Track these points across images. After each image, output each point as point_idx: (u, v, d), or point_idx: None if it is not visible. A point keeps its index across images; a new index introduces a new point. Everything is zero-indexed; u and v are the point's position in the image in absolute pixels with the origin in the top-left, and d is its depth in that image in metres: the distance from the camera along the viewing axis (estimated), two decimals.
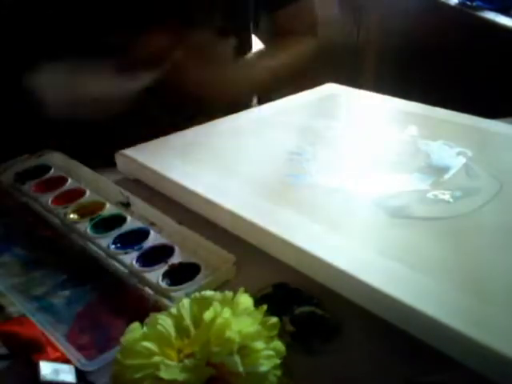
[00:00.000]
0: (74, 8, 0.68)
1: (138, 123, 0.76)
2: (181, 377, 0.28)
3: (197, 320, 0.31)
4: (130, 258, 0.43)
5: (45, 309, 0.40)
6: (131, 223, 0.48)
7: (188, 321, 0.31)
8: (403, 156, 0.55)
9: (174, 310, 0.32)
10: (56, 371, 0.32)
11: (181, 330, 0.31)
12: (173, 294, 0.39)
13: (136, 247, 0.45)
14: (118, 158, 0.58)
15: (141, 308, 0.39)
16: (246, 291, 0.32)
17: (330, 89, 0.75)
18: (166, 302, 0.38)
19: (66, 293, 0.41)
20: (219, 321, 0.29)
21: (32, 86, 0.64)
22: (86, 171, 0.57)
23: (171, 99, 0.76)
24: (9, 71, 0.72)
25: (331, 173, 0.52)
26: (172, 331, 0.30)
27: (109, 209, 0.50)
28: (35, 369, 0.32)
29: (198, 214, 0.49)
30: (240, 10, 0.77)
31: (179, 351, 0.30)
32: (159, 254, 0.44)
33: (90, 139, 0.75)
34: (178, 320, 0.31)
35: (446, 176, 0.50)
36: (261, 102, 0.93)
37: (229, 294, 0.32)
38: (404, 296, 0.34)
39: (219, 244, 0.43)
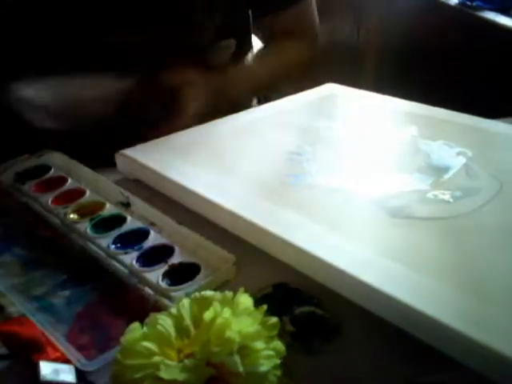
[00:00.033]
0: (74, 8, 0.68)
1: (138, 123, 0.76)
2: (181, 377, 0.28)
3: (197, 320, 0.31)
4: (130, 257, 0.43)
5: (45, 309, 0.40)
6: (131, 223, 0.48)
7: (188, 321, 0.31)
8: (403, 156, 0.55)
9: (174, 310, 0.32)
10: (56, 371, 0.32)
11: (181, 329, 0.31)
12: (173, 294, 0.39)
13: (136, 247, 0.45)
14: (118, 158, 0.58)
15: (141, 308, 0.39)
16: (246, 291, 0.32)
17: (330, 89, 0.75)
18: (166, 301, 0.38)
19: (66, 293, 0.41)
20: (219, 321, 0.29)
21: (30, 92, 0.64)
22: (86, 171, 0.57)
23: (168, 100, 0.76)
24: (9, 71, 0.72)
25: (331, 173, 0.52)
26: (172, 331, 0.30)
27: (109, 209, 0.50)
28: (35, 369, 0.32)
29: (197, 213, 0.49)
30: (240, 11, 0.77)
31: (179, 351, 0.30)
32: (159, 254, 0.44)
33: (90, 139, 0.75)
34: (177, 320, 0.31)
35: (446, 176, 0.50)
36: (261, 102, 0.93)
37: (229, 293, 0.32)
38: (404, 296, 0.34)
39: (219, 244, 0.43)
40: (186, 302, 0.32)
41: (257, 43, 0.89)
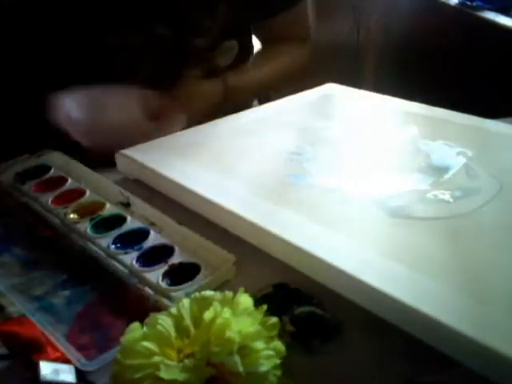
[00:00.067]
0: (74, 8, 0.68)
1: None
2: (181, 377, 0.28)
3: (197, 320, 0.31)
4: (130, 258, 0.43)
5: (45, 309, 0.40)
6: (131, 223, 0.48)
7: (188, 321, 0.31)
8: (403, 156, 0.55)
9: (174, 310, 0.32)
10: (56, 371, 0.32)
11: (181, 330, 0.31)
12: (173, 294, 0.39)
13: (136, 247, 0.45)
14: (118, 158, 0.58)
15: (141, 308, 0.39)
16: (246, 291, 0.32)
17: (330, 89, 0.75)
18: (166, 302, 0.38)
19: (66, 293, 0.41)
20: (219, 321, 0.29)
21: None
22: (85, 171, 0.57)
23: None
24: (9, 71, 0.72)
25: (331, 173, 0.52)
26: (172, 331, 0.30)
27: (109, 209, 0.50)
28: (35, 369, 0.32)
29: (197, 213, 0.49)
30: (242, 12, 0.77)
31: (179, 351, 0.30)
32: (159, 254, 0.44)
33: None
34: (178, 320, 0.31)
35: (446, 176, 0.50)
36: (261, 101, 0.94)
37: (229, 293, 0.32)
38: (404, 296, 0.34)
39: (219, 244, 0.43)
40: (185, 301, 0.32)
41: (255, 45, 0.89)
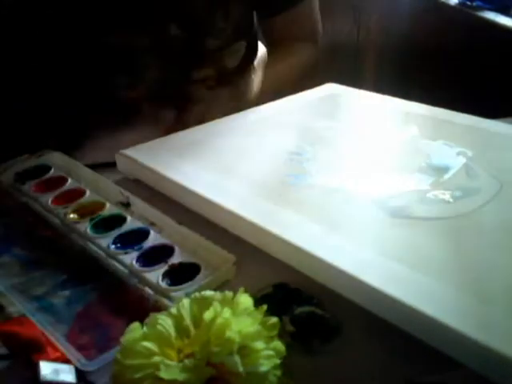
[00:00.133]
0: (73, 8, 0.68)
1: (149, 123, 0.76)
2: (181, 377, 0.28)
3: (197, 320, 0.31)
4: (130, 258, 0.43)
5: (45, 309, 0.40)
6: (131, 223, 0.48)
7: (188, 321, 0.31)
8: (403, 156, 0.55)
9: (174, 310, 0.32)
10: (56, 371, 0.32)
11: (181, 330, 0.31)
12: (173, 294, 0.39)
13: (136, 247, 0.45)
14: (118, 158, 0.58)
15: (141, 308, 0.39)
16: (246, 291, 0.32)
17: (330, 89, 0.75)
18: (166, 301, 0.38)
19: (66, 293, 0.41)
20: (219, 321, 0.29)
21: None
22: (85, 171, 0.57)
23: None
24: (9, 71, 0.72)
25: (331, 173, 0.52)
26: (172, 331, 0.30)
27: (109, 209, 0.50)
28: (35, 369, 0.32)
29: (198, 213, 0.49)
30: (248, 12, 0.77)
31: (179, 351, 0.30)
32: (159, 254, 0.44)
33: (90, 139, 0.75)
34: (178, 320, 0.31)
35: (446, 176, 0.50)
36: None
37: (229, 293, 0.32)
38: (404, 296, 0.34)
39: (219, 244, 0.43)
40: (185, 302, 0.32)
41: (261, 46, 0.89)
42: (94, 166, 0.57)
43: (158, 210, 0.49)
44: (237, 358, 0.28)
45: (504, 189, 0.47)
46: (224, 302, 0.31)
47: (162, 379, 0.28)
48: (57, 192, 0.53)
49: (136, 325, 0.31)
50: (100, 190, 0.54)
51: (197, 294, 0.32)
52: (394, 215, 0.44)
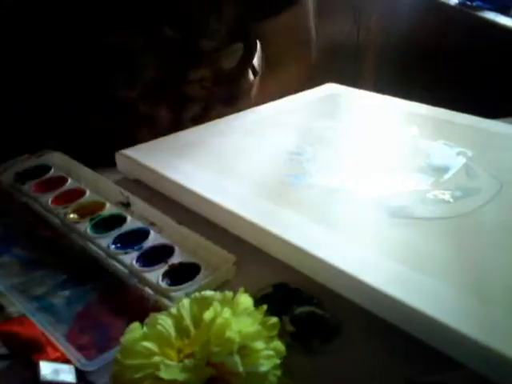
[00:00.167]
0: (73, 8, 0.68)
1: (145, 123, 0.76)
2: (181, 377, 0.28)
3: (197, 320, 0.31)
4: (130, 258, 0.43)
5: (45, 309, 0.40)
6: (131, 223, 0.48)
7: (188, 321, 0.31)
8: (403, 156, 0.55)
9: (174, 310, 0.32)
10: (56, 371, 0.32)
11: (181, 330, 0.31)
12: (173, 294, 0.39)
13: (136, 247, 0.45)
14: (118, 158, 0.58)
15: (141, 308, 0.39)
16: (246, 291, 0.32)
17: (330, 89, 0.75)
18: (166, 301, 0.38)
19: (66, 293, 0.41)
20: (219, 321, 0.29)
21: None
22: (85, 171, 0.57)
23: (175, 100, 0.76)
24: (9, 71, 0.72)
25: (331, 173, 0.52)
26: (172, 331, 0.30)
27: (109, 209, 0.50)
28: (35, 369, 0.32)
29: (197, 213, 0.49)
30: (245, 14, 0.76)
31: (179, 351, 0.30)
32: (159, 254, 0.44)
33: (90, 139, 0.75)
34: (178, 320, 0.31)
35: (446, 176, 0.50)
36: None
37: (229, 293, 0.32)
38: (404, 296, 0.34)
39: (219, 244, 0.43)
40: (185, 302, 0.32)
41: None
42: (94, 166, 0.57)
43: (158, 210, 0.49)
44: (237, 358, 0.28)
45: (504, 189, 0.47)
46: (224, 302, 0.31)
47: (161, 379, 0.28)
48: (57, 192, 0.53)
49: (136, 325, 0.31)
50: (100, 189, 0.54)
51: (197, 294, 0.32)
52: (393, 215, 0.44)
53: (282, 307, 0.37)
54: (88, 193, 0.53)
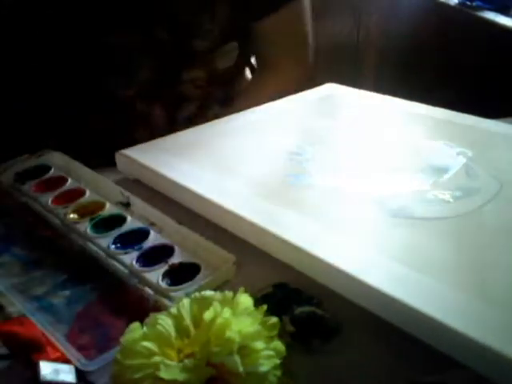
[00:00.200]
0: (73, 8, 0.68)
1: (142, 123, 0.76)
2: (181, 377, 0.28)
3: (197, 320, 0.31)
4: (130, 257, 0.43)
5: (45, 309, 0.40)
6: (131, 223, 0.48)
7: (188, 321, 0.31)
8: (403, 156, 0.55)
9: (174, 310, 0.32)
10: (56, 371, 0.32)
11: (181, 330, 0.31)
12: (173, 294, 0.39)
13: (136, 247, 0.45)
14: (118, 158, 0.58)
15: (141, 308, 0.39)
16: (246, 291, 0.32)
17: (330, 89, 0.75)
18: (165, 302, 0.38)
19: (66, 293, 0.41)
20: (219, 321, 0.29)
21: None
22: (85, 171, 0.57)
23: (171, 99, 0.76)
24: (9, 71, 0.72)
25: (331, 173, 0.52)
26: (172, 331, 0.30)
27: (109, 209, 0.50)
28: (35, 369, 0.32)
29: (197, 214, 0.49)
30: (240, 13, 0.76)
31: (179, 351, 0.30)
32: (159, 254, 0.44)
33: (90, 139, 0.75)
34: (177, 320, 0.31)
35: (446, 176, 0.50)
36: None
37: (229, 293, 0.32)
38: (404, 296, 0.34)
39: (219, 244, 0.43)
40: (185, 301, 0.32)
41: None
42: (94, 166, 0.57)
43: (157, 210, 0.49)
44: (237, 358, 0.28)
45: (504, 189, 0.47)
46: (224, 302, 0.31)
47: (162, 379, 0.28)
48: (57, 192, 0.53)
49: (136, 325, 0.31)
50: (100, 189, 0.54)
51: (197, 294, 0.32)
52: (394, 215, 0.44)
53: (282, 307, 0.37)
54: (88, 193, 0.53)
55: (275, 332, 0.31)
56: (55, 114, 0.75)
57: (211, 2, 0.71)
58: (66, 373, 0.33)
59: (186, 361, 0.29)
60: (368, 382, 0.34)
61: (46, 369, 0.32)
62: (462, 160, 0.53)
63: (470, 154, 0.54)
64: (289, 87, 0.77)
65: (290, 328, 0.36)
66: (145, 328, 0.31)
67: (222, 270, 0.41)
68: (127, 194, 0.51)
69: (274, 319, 0.31)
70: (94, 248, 0.45)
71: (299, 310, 0.38)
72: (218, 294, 0.32)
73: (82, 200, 0.52)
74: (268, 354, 0.29)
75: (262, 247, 0.44)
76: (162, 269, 0.42)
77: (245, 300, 0.32)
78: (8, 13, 0.69)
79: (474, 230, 0.42)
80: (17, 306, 0.39)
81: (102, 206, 0.51)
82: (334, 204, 0.47)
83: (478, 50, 1.37)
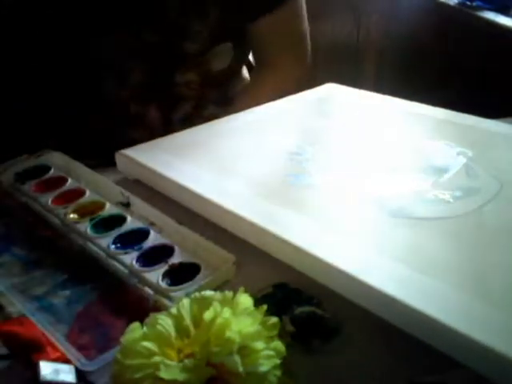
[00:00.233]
0: (73, 8, 0.68)
1: (138, 124, 0.76)
2: (181, 377, 0.28)
3: (197, 320, 0.31)
4: (130, 257, 0.43)
5: (45, 309, 0.40)
6: (131, 223, 0.48)
7: (188, 321, 0.31)
8: (403, 156, 0.55)
9: (174, 310, 0.32)
10: (56, 371, 0.32)
11: (181, 330, 0.31)
12: (173, 294, 0.39)
13: (136, 247, 0.45)
14: (118, 158, 0.58)
15: (141, 308, 0.39)
16: (246, 291, 0.32)
17: (329, 89, 0.75)
18: (165, 302, 0.38)
19: (66, 293, 0.41)
20: (219, 321, 0.29)
21: None
22: (85, 171, 0.57)
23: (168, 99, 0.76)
24: (9, 71, 0.72)
25: (331, 173, 0.52)
26: (172, 331, 0.30)
27: (109, 209, 0.50)
28: (35, 369, 0.32)
29: (197, 214, 0.49)
30: (233, 14, 0.76)
31: (179, 351, 0.30)
32: (159, 254, 0.44)
33: (90, 139, 0.75)
34: (178, 320, 0.31)
35: (446, 176, 0.50)
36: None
37: (229, 294, 0.32)
38: (404, 296, 0.34)
39: (219, 244, 0.43)
40: (185, 301, 0.32)
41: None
42: (94, 166, 0.57)
43: (157, 210, 0.49)
44: (237, 358, 0.28)
45: (504, 189, 0.47)
46: (224, 302, 0.31)
47: (162, 379, 0.28)
48: (57, 192, 0.53)
49: (136, 325, 0.31)
50: (100, 189, 0.54)
51: (197, 294, 0.32)
52: (394, 215, 0.44)
53: (282, 307, 0.37)
54: (88, 193, 0.53)
55: (275, 332, 0.31)
56: (55, 113, 0.75)
57: (200, 3, 0.71)
58: (66, 373, 0.33)
59: (186, 361, 0.29)
60: (368, 382, 0.34)
61: (46, 369, 0.32)
62: (462, 160, 0.53)
63: (470, 153, 0.54)
64: (288, 86, 0.77)
65: (290, 328, 0.36)
66: (145, 328, 0.31)
67: (222, 270, 0.41)
68: (127, 194, 0.51)
69: (274, 319, 0.31)
70: (94, 248, 0.45)
71: (299, 309, 0.38)
72: (217, 294, 0.32)
73: (82, 200, 0.52)
74: (268, 353, 0.29)
75: (262, 247, 0.44)
76: (162, 269, 0.42)
77: (245, 300, 0.32)
78: (8, 13, 0.69)
79: (473, 230, 0.42)
80: (17, 306, 0.39)
81: (101, 206, 0.51)
82: (334, 204, 0.47)
83: (478, 50, 1.37)
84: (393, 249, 0.40)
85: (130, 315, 0.36)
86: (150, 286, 0.40)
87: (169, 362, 0.29)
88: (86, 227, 0.48)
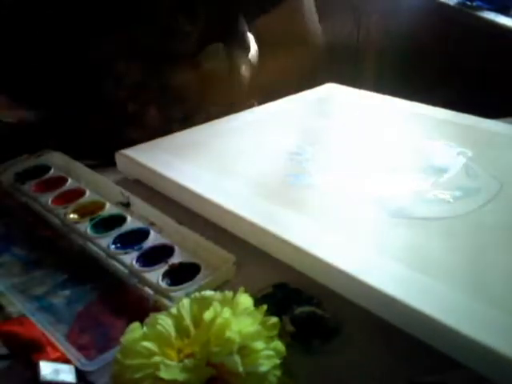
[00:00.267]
0: (73, 8, 0.68)
1: (138, 123, 0.76)
2: (181, 377, 0.28)
3: (197, 320, 0.31)
4: (130, 257, 0.43)
5: (45, 309, 0.40)
6: (131, 223, 0.48)
7: (188, 321, 0.31)
8: (403, 156, 0.55)
9: (174, 310, 0.32)
10: (56, 371, 0.32)
11: (181, 330, 0.31)
12: (173, 294, 0.39)
13: (136, 247, 0.45)
14: (118, 158, 0.58)
15: (141, 308, 0.39)
16: (246, 291, 0.32)
17: (329, 89, 0.75)
18: (165, 302, 0.38)
19: (66, 293, 0.41)
20: (219, 321, 0.29)
21: None
22: (85, 171, 0.57)
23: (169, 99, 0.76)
24: (9, 71, 0.72)
25: (331, 173, 0.52)
26: (172, 331, 0.30)
27: (109, 209, 0.50)
28: (35, 369, 0.32)
29: (197, 214, 0.49)
30: (225, 13, 0.76)
31: (179, 351, 0.30)
32: (159, 254, 0.44)
33: (90, 139, 0.75)
34: (178, 320, 0.31)
35: (446, 176, 0.50)
36: (260, 102, 0.93)
37: (229, 294, 0.32)
38: (404, 296, 0.34)
39: (219, 244, 0.43)
40: (185, 301, 0.32)
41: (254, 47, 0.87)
42: (94, 166, 0.57)
43: (157, 210, 0.49)
44: (237, 358, 0.28)
45: (504, 189, 0.47)
46: (224, 302, 0.31)
47: (162, 379, 0.28)
48: (57, 192, 0.53)
49: (136, 325, 0.31)
50: (100, 189, 0.54)
51: (197, 294, 0.32)
52: (394, 215, 0.44)
53: (282, 307, 0.37)
54: (88, 193, 0.53)
55: (275, 332, 0.31)
56: (55, 113, 0.75)
57: (189, 3, 0.71)
58: (66, 373, 0.33)
59: (186, 361, 0.29)
60: (368, 382, 0.34)
61: (46, 369, 0.32)
62: (462, 160, 0.53)
63: (470, 153, 0.54)
64: (292, 77, 0.76)
65: (290, 328, 0.36)
66: (145, 328, 0.31)
67: (222, 270, 0.41)
68: (127, 193, 0.51)
69: (274, 319, 0.31)
70: (94, 248, 0.45)
71: (299, 309, 0.38)
72: (217, 294, 0.32)
73: (82, 200, 0.52)
74: (268, 353, 0.29)
75: (262, 247, 0.44)
76: (161, 269, 0.42)
77: (245, 300, 0.32)
78: (8, 13, 0.69)
79: (473, 230, 0.42)
80: (17, 305, 0.39)
81: (101, 206, 0.51)
82: (333, 204, 0.47)
83: (478, 50, 1.37)
84: (393, 249, 0.40)
85: (129, 315, 0.36)
86: (150, 286, 0.40)
87: (169, 362, 0.29)
88: (85, 227, 0.48)
